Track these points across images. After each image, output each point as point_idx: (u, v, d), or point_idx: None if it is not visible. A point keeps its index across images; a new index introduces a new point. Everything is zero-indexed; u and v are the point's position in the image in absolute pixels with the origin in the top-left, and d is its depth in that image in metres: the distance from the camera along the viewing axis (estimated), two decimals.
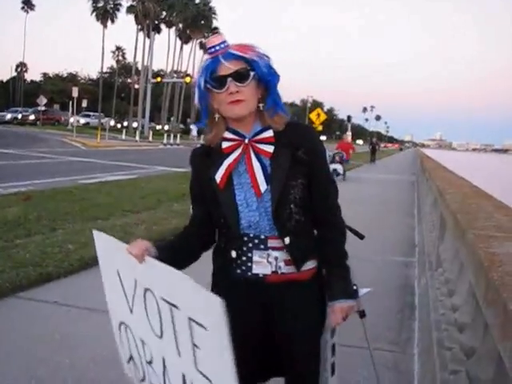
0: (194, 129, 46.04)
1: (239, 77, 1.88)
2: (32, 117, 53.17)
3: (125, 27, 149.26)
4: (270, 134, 1.97)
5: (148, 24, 66.85)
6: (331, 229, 2.07)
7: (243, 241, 1.99)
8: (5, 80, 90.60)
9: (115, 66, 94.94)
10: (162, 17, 73.62)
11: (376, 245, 7.64)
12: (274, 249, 1.99)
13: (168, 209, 9.94)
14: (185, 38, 75.99)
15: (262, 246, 1.99)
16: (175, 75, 71.08)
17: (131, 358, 2.07)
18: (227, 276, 2.06)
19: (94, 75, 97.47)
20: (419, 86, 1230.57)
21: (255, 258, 1.99)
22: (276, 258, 1.99)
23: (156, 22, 71.12)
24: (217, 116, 1.99)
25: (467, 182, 8.36)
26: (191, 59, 76.15)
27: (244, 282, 2.03)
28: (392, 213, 12.48)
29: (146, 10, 65.13)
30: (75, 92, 41.92)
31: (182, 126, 69.63)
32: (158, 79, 47.97)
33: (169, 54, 74.58)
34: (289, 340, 2.09)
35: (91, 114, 64.48)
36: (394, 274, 6.84)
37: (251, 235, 1.98)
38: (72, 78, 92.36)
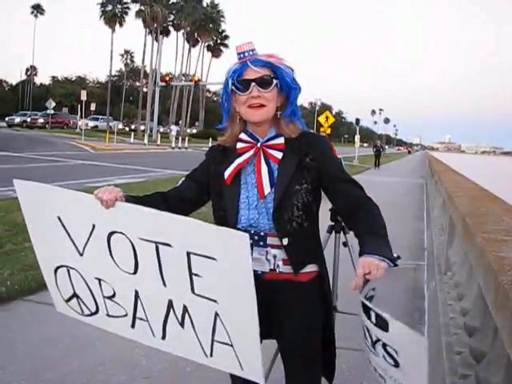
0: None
1: (263, 82, 2.00)
2: (41, 120, 53.59)
3: (133, 30, 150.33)
4: (281, 141, 2.06)
5: (156, 27, 67.03)
6: (365, 211, 2.00)
7: None
8: (14, 83, 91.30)
9: (124, 69, 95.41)
10: (171, 20, 73.76)
11: None
12: (272, 247, 2.05)
13: None
14: (193, 42, 76.14)
15: (261, 243, 2.06)
16: (183, 78, 71.20)
17: (74, 295, 2.18)
18: None
19: (103, 78, 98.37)
20: (428, 89, 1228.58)
21: (255, 254, 2.05)
22: (274, 257, 2.06)
23: (164, 25, 71.24)
24: (237, 118, 2.10)
25: (476, 184, 8.32)
26: (199, 62, 76.50)
27: None
28: (401, 217, 12.42)
29: (155, 13, 65.30)
30: (84, 95, 42.07)
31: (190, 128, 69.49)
32: (166, 79, 48.08)
33: (177, 57, 74.80)
34: (284, 338, 2.15)
35: (100, 117, 64.82)
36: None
37: (252, 232, 2.04)
38: (81, 82, 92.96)
